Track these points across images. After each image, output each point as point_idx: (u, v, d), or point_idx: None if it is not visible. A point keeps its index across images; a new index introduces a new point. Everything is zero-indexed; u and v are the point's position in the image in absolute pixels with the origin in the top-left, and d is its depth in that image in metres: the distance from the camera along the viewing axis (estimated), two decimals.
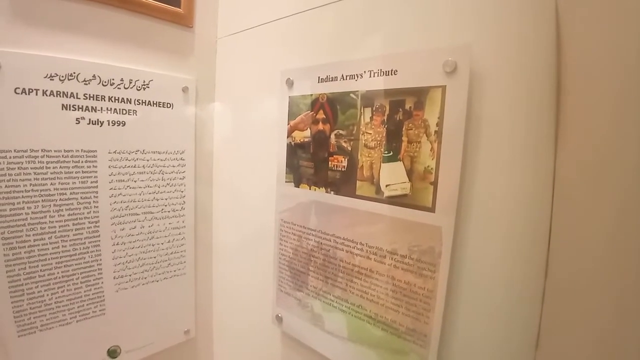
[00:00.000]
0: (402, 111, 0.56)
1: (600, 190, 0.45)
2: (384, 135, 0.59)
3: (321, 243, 0.70)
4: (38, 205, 0.70)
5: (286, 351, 0.83)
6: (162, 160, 0.87)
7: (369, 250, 0.62)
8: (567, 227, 0.48)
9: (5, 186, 0.66)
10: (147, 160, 0.84)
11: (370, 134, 0.60)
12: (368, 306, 0.63)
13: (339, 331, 0.68)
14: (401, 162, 0.57)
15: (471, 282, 0.53)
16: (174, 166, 0.89)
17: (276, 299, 0.80)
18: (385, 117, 0.58)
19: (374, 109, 0.60)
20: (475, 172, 0.52)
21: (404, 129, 0.56)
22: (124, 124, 0.80)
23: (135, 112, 0.81)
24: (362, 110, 0.61)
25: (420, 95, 0.54)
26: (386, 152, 0.58)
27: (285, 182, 0.75)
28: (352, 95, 0.63)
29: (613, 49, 0.43)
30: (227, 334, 1.04)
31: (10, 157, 0.66)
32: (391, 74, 0.57)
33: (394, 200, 0.58)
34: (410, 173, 0.56)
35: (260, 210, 0.85)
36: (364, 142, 0.61)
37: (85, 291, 0.78)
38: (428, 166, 0.54)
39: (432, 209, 0.54)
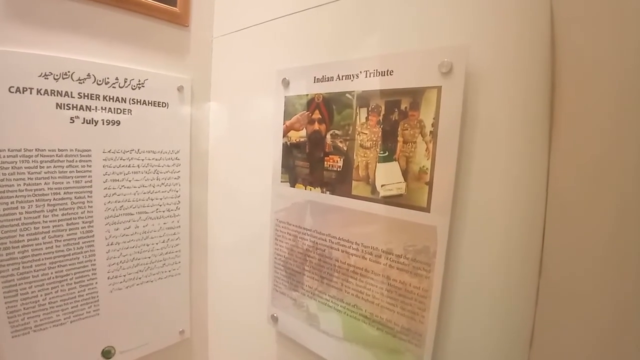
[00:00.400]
0: (397, 111, 0.56)
1: (595, 191, 0.45)
2: (380, 135, 0.59)
3: (317, 243, 0.70)
4: (32, 205, 0.69)
5: (282, 351, 0.83)
6: (157, 159, 0.87)
7: (365, 250, 0.62)
8: (561, 227, 0.48)
9: None
10: (142, 160, 0.84)
11: (366, 134, 0.60)
12: (363, 306, 0.63)
13: (335, 331, 0.68)
14: (397, 162, 0.57)
15: (466, 282, 0.54)
16: (169, 166, 0.89)
17: (271, 299, 0.80)
18: (380, 118, 0.59)
19: (369, 109, 0.60)
20: (470, 173, 0.52)
21: (399, 129, 0.56)
22: (119, 123, 0.79)
23: (130, 111, 0.81)
24: (357, 111, 0.62)
25: (415, 95, 0.54)
26: (382, 152, 0.59)
27: (281, 182, 0.75)
28: (347, 95, 0.63)
29: (608, 49, 0.44)
30: (222, 334, 1.04)
31: (3, 157, 0.65)
32: (387, 75, 0.58)
33: (389, 200, 0.58)
34: (405, 173, 0.56)
35: (255, 210, 0.85)
36: (359, 142, 0.62)
37: (79, 291, 0.77)
38: (423, 166, 0.54)
39: (427, 209, 0.54)
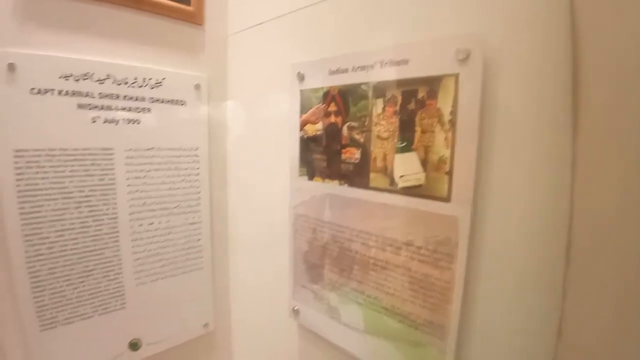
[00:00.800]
0: (414, 101, 0.55)
1: (623, 176, 0.44)
2: (397, 125, 0.58)
3: (336, 236, 0.69)
4: (57, 203, 0.71)
5: (303, 344, 0.84)
6: (177, 157, 0.88)
7: (384, 242, 0.62)
8: (590, 215, 0.46)
9: (25, 185, 0.68)
10: (163, 157, 0.86)
11: (383, 124, 0.60)
12: (384, 298, 0.63)
13: (356, 324, 0.68)
14: (415, 152, 0.56)
15: (489, 273, 0.52)
16: (188, 162, 0.90)
17: (292, 292, 0.81)
18: (397, 108, 0.58)
19: (385, 99, 0.59)
20: (491, 161, 0.51)
21: (417, 118, 0.55)
22: (139, 122, 0.81)
23: (149, 110, 0.82)
24: (373, 102, 0.61)
25: (432, 84, 0.53)
26: (399, 142, 0.58)
27: (299, 175, 0.75)
28: (363, 86, 0.62)
29: (634, 30, 0.42)
30: (245, 327, 1.05)
31: (28, 156, 0.68)
32: (402, 64, 0.57)
33: (408, 191, 0.57)
34: (424, 163, 0.55)
35: (274, 204, 0.86)
36: (376, 133, 0.61)
37: (105, 286, 0.79)
38: (442, 156, 0.53)
39: (447, 199, 0.53)
